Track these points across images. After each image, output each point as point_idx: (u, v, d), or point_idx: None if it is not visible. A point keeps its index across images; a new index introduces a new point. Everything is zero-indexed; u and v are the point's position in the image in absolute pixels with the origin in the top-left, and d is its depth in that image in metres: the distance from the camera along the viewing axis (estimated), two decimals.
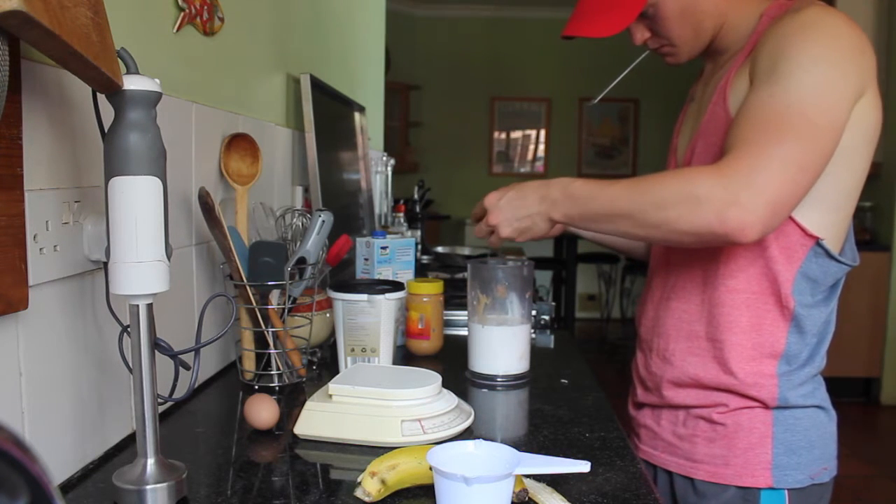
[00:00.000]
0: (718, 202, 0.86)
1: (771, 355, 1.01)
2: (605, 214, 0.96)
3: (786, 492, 1.01)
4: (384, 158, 2.66)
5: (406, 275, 1.50)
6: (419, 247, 2.53)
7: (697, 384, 1.05)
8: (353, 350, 1.16)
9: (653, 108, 6.49)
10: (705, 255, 1.04)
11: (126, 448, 0.87)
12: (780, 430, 1.01)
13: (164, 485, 0.71)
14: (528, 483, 0.73)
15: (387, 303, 1.14)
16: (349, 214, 1.94)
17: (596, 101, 1.25)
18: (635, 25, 1.06)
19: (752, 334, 1.01)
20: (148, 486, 0.70)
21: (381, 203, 2.58)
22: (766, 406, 1.01)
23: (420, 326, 1.31)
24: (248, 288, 1.10)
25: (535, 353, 1.22)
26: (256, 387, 1.12)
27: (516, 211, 1.04)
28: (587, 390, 1.12)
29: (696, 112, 1.12)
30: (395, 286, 1.18)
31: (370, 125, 2.51)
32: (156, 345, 0.73)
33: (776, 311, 1.00)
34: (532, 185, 1.04)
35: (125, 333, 0.75)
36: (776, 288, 0.99)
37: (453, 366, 1.23)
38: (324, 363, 1.26)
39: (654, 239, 0.97)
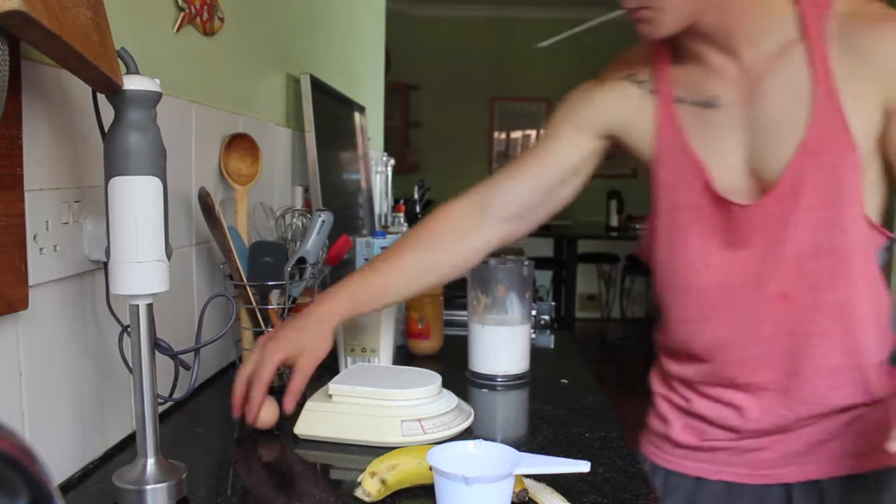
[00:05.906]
0: None
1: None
2: None
3: None
4: (384, 158, 2.66)
5: None
6: None
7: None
8: (353, 350, 1.16)
9: None
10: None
11: (126, 448, 0.87)
12: None
13: (164, 485, 0.71)
14: (528, 483, 0.73)
15: None
16: (349, 214, 1.94)
17: (546, 44, 1.20)
18: None
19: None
20: (148, 486, 0.70)
21: (381, 203, 2.58)
22: None
23: (420, 326, 1.31)
24: (248, 288, 1.10)
25: (535, 353, 1.22)
26: None
27: None
28: (587, 390, 1.12)
29: (748, 124, 0.92)
30: None
31: (370, 125, 2.51)
32: (156, 345, 0.73)
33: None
34: None
35: (125, 333, 0.75)
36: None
37: (453, 366, 1.23)
38: (324, 363, 1.26)
39: None
